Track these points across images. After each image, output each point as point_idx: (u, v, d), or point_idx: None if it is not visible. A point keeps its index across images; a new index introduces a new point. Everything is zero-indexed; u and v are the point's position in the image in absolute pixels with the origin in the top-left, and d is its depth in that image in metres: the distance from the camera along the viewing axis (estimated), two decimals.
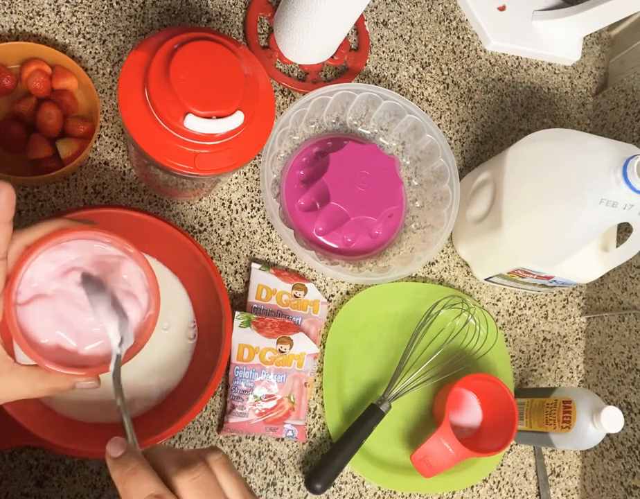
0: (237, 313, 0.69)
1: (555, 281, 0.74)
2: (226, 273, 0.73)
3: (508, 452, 0.78)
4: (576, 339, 0.86)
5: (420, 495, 0.73)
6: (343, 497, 0.71)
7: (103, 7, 0.76)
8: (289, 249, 0.76)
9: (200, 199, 0.74)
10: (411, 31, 0.90)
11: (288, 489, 0.69)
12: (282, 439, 0.70)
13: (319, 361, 0.73)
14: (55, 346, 0.43)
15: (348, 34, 0.84)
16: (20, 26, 0.71)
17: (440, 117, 0.88)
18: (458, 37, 0.92)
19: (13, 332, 0.42)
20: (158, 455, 0.38)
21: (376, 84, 0.85)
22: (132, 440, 0.40)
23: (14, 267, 0.42)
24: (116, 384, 0.43)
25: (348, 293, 0.77)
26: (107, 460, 0.38)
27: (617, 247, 0.71)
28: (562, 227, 0.66)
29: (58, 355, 0.43)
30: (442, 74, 0.90)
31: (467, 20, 0.94)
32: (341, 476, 0.71)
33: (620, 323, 0.80)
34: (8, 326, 0.42)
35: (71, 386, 0.45)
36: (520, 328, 0.84)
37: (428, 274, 0.82)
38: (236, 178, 0.76)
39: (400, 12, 0.90)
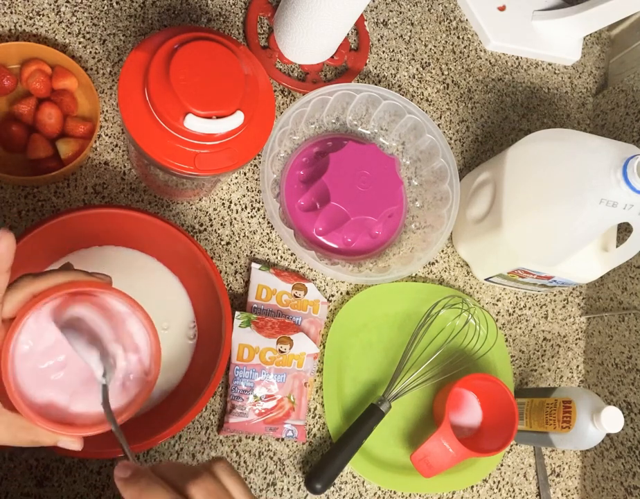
0: (237, 313, 0.69)
1: (555, 281, 0.74)
2: (226, 273, 0.73)
3: (508, 452, 0.78)
4: (576, 339, 0.86)
5: (420, 495, 0.73)
6: (343, 497, 0.71)
7: (103, 7, 0.76)
8: (289, 249, 0.76)
9: (200, 199, 0.74)
10: (411, 31, 0.90)
11: (288, 489, 0.69)
12: (282, 439, 0.70)
13: (319, 361, 0.73)
14: (48, 399, 0.43)
15: (348, 34, 0.84)
16: (20, 26, 0.71)
17: (440, 117, 0.88)
18: (458, 37, 0.92)
19: (6, 382, 0.41)
20: (165, 471, 0.39)
21: (376, 84, 0.85)
22: (134, 461, 0.40)
23: (17, 316, 0.41)
24: (107, 412, 0.43)
25: (348, 293, 0.77)
26: (117, 483, 0.39)
27: (617, 247, 0.71)
28: (562, 227, 0.66)
29: (48, 409, 0.43)
30: (442, 74, 0.90)
31: (467, 20, 0.94)
32: (341, 476, 0.71)
33: (620, 323, 0.80)
34: (2, 375, 0.41)
35: (54, 442, 0.44)
36: (520, 328, 0.84)
37: (428, 274, 0.82)
38: (236, 178, 0.76)
39: (400, 12, 0.90)
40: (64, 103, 0.68)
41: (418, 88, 0.88)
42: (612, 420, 0.64)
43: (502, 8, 0.94)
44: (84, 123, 0.68)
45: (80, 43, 0.73)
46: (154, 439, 0.59)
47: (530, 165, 0.70)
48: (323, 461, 0.68)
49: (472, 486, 0.76)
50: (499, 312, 0.83)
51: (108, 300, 0.45)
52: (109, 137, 0.72)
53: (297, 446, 0.71)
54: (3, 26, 0.71)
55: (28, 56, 0.68)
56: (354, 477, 0.72)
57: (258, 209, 0.76)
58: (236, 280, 0.73)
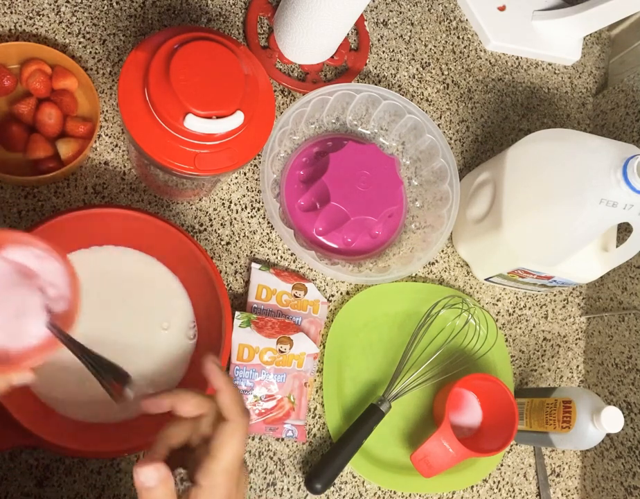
0: (237, 313, 0.69)
1: (555, 281, 0.74)
2: (226, 273, 0.73)
3: (508, 452, 0.78)
4: (576, 339, 0.86)
5: (420, 495, 0.73)
6: (343, 497, 0.71)
7: (103, 7, 0.76)
8: (289, 249, 0.76)
9: (200, 199, 0.74)
10: (411, 31, 0.90)
11: (288, 489, 0.69)
12: (282, 439, 0.70)
13: (319, 361, 0.73)
14: None
15: (348, 34, 0.84)
16: (20, 26, 0.71)
17: (440, 117, 0.88)
18: (458, 37, 0.92)
19: None
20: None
21: (376, 84, 0.85)
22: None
23: None
24: (77, 353, 0.43)
25: (348, 293, 0.77)
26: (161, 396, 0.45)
27: (617, 247, 0.71)
28: (562, 227, 0.66)
29: None
30: (442, 74, 0.90)
31: (467, 20, 0.94)
32: (341, 476, 0.71)
33: (620, 323, 0.80)
34: None
35: (7, 384, 0.45)
36: (520, 328, 0.84)
37: (428, 274, 0.82)
38: (236, 178, 0.76)
39: (400, 12, 0.90)
40: (64, 103, 0.68)
41: (418, 88, 0.88)
42: (612, 420, 0.64)
43: (502, 8, 0.94)
44: (84, 123, 0.68)
45: (79, 43, 0.73)
46: (154, 439, 0.59)
47: (530, 165, 0.70)
48: (323, 461, 0.68)
49: (472, 486, 0.76)
50: (499, 312, 0.83)
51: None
52: (109, 137, 0.72)
53: (297, 446, 0.71)
54: (3, 26, 0.71)
55: (28, 56, 0.68)
56: (354, 477, 0.72)
57: (258, 209, 0.76)
58: (236, 280, 0.73)
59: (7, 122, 0.67)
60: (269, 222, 0.76)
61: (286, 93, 0.81)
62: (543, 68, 0.96)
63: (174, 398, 0.44)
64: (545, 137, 0.71)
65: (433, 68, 0.90)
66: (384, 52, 0.88)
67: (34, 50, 0.68)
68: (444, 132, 0.87)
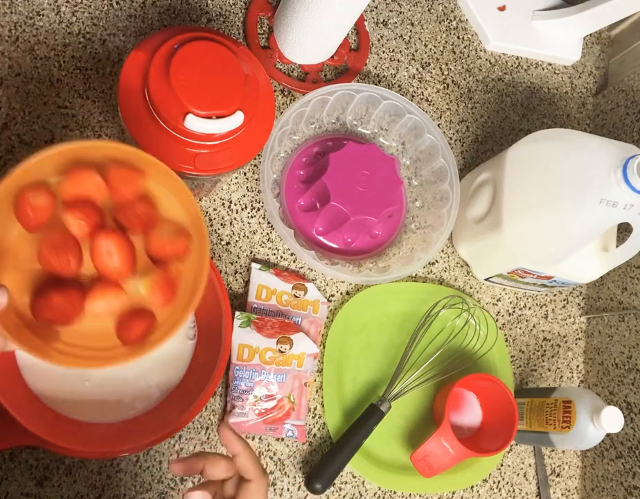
0: (237, 313, 0.69)
1: (555, 281, 0.74)
2: (226, 273, 0.73)
3: (508, 452, 0.78)
4: (576, 339, 0.86)
5: (420, 495, 0.73)
6: (343, 497, 0.71)
7: (103, 7, 0.76)
8: (289, 249, 0.76)
9: (200, 199, 0.74)
10: (411, 31, 0.90)
11: (288, 489, 0.69)
12: (282, 439, 0.70)
13: (319, 361, 0.73)
14: None
15: (348, 34, 0.84)
16: (20, 26, 0.71)
17: (440, 117, 0.88)
18: (458, 37, 0.92)
19: None
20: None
21: (376, 84, 0.85)
22: None
23: None
24: None
25: (348, 293, 0.77)
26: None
27: (617, 247, 0.71)
28: (562, 227, 0.66)
29: None
30: (442, 74, 0.90)
31: (467, 20, 0.94)
32: (341, 476, 0.71)
33: (620, 323, 0.80)
34: None
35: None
36: (520, 328, 0.84)
37: (428, 274, 0.82)
38: (236, 178, 0.76)
39: (400, 12, 0.90)
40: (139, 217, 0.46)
41: (418, 88, 0.88)
42: (612, 420, 0.65)
43: (502, 8, 0.94)
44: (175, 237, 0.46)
45: (79, 43, 0.73)
46: (154, 438, 0.59)
47: (530, 165, 0.70)
48: (323, 461, 0.68)
49: (472, 486, 0.76)
50: (499, 312, 0.83)
51: None
52: (109, 137, 0.72)
53: (297, 446, 0.71)
54: (2, 26, 0.71)
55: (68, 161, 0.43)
56: (354, 477, 0.72)
57: (258, 209, 0.76)
58: (236, 280, 0.73)
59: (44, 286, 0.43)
60: (269, 222, 0.76)
61: (286, 93, 0.81)
62: (543, 68, 0.96)
63: (205, 462, 0.46)
64: (545, 137, 0.71)
65: (433, 68, 0.90)
66: (384, 52, 0.88)
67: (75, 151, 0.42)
68: (444, 132, 0.87)
